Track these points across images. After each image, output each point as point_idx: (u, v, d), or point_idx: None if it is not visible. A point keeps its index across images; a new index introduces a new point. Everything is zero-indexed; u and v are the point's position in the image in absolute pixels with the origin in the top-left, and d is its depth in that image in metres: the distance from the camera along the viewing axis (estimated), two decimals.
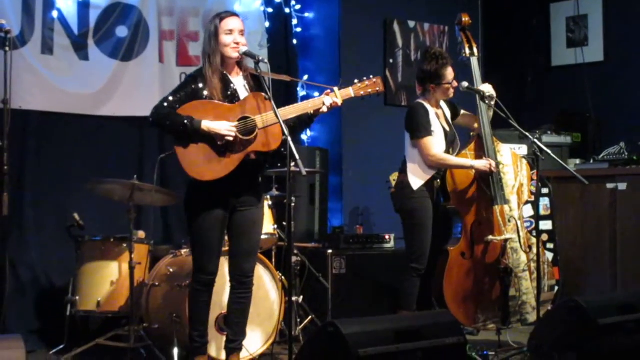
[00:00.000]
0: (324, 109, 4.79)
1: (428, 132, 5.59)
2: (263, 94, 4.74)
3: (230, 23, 4.79)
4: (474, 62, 5.93)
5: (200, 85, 4.74)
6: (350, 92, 4.87)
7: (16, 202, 6.00)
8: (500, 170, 5.72)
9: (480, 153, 5.72)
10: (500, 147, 5.80)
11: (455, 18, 6.10)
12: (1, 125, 5.46)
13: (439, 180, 5.69)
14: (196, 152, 4.65)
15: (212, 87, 4.73)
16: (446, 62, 5.68)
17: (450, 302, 5.60)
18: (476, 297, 5.69)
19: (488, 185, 5.67)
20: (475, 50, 5.95)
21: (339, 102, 4.82)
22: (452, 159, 5.66)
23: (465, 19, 6.02)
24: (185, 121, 4.60)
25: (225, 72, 4.82)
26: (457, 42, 6.05)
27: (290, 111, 4.72)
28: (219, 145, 4.64)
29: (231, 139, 4.62)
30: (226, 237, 4.97)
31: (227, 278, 5.02)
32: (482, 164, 5.61)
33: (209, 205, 4.75)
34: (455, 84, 5.70)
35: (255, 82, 4.89)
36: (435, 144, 5.61)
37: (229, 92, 4.78)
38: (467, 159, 5.68)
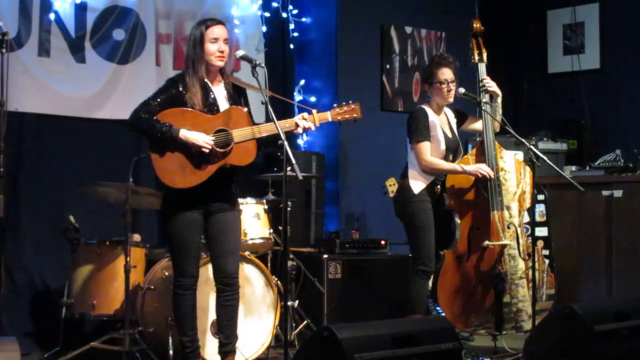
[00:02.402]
0: (299, 130, 4.85)
1: (424, 136, 5.60)
2: (243, 108, 4.85)
3: (215, 31, 4.84)
4: (482, 68, 5.91)
5: (181, 90, 4.80)
6: (327, 116, 4.95)
7: (12, 204, 5.99)
8: (501, 176, 5.72)
9: (481, 158, 5.72)
10: (503, 154, 5.79)
11: (451, 24, 6.08)
12: None
13: (439, 187, 5.68)
14: (171, 159, 4.71)
15: (193, 93, 4.77)
16: (441, 63, 5.70)
17: (443, 304, 5.61)
18: (469, 301, 5.69)
19: (486, 190, 5.67)
20: (484, 56, 5.94)
21: (313, 127, 4.88)
22: (444, 165, 5.66)
23: (477, 25, 6.02)
24: (164, 128, 4.66)
25: (206, 80, 4.86)
26: (469, 47, 6.04)
27: (267, 129, 4.77)
28: (194, 155, 4.69)
29: (207, 151, 4.67)
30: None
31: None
32: (473, 169, 5.61)
33: (183, 210, 4.80)
34: (451, 86, 5.68)
35: (236, 92, 4.95)
36: (431, 149, 5.61)
37: (209, 101, 4.82)
38: (458, 165, 5.67)
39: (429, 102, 5.77)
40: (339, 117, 4.96)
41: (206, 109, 4.79)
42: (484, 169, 5.61)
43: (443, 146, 5.68)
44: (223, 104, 4.87)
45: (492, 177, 5.63)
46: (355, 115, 4.99)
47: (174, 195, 4.79)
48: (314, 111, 4.92)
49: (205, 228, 4.91)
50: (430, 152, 5.62)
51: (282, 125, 4.78)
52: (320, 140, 7.64)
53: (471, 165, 5.65)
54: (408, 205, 5.65)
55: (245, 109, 4.89)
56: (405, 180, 5.68)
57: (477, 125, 5.93)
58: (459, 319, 5.65)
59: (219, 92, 4.91)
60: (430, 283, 5.70)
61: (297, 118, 4.87)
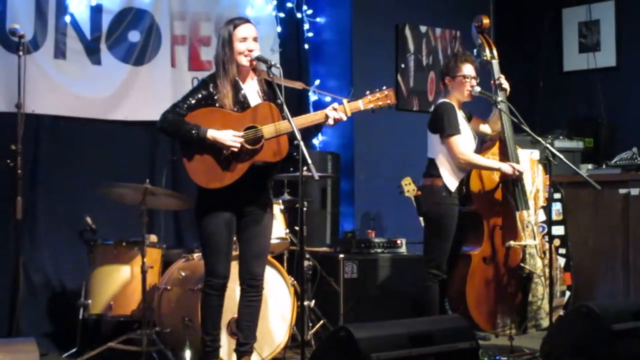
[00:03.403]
0: (330, 122, 4.74)
1: (457, 130, 5.54)
2: (274, 103, 4.75)
3: (243, 31, 4.79)
4: (496, 65, 5.85)
5: (212, 91, 4.76)
6: (359, 105, 4.81)
7: (29, 205, 6.03)
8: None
9: (503, 157, 5.69)
10: (518, 152, 5.76)
11: (473, 21, 6.00)
12: (15, 129, 5.50)
13: (463, 187, 5.65)
14: (202, 160, 4.67)
15: (224, 94, 4.73)
16: (464, 59, 5.66)
17: (472, 307, 5.56)
18: (497, 302, 5.66)
19: (509, 190, 5.63)
20: (495, 53, 5.89)
21: (344, 117, 4.76)
22: (481, 160, 5.61)
23: (486, 21, 5.91)
24: (192, 130, 4.62)
25: (237, 79, 4.82)
26: (476, 44, 5.97)
27: (297, 123, 4.62)
28: (224, 153, 4.65)
29: (236, 149, 4.63)
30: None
31: (238, 282, 5.02)
32: (509, 168, 5.57)
33: (216, 210, 4.76)
34: (473, 82, 5.63)
35: (269, 88, 4.89)
36: (464, 143, 5.56)
37: (239, 100, 4.78)
38: (495, 162, 5.64)
39: (447, 96, 5.71)
40: (372, 105, 4.81)
41: (237, 107, 4.75)
42: (517, 167, 5.58)
43: (472, 141, 5.65)
44: (255, 100, 4.81)
45: (520, 174, 5.62)
46: (389, 101, 4.82)
47: (207, 195, 4.76)
48: (345, 100, 4.77)
49: (238, 227, 4.88)
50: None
51: (312, 119, 4.74)
52: (335, 140, 7.65)
53: (505, 164, 5.62)
54: (438, 207, 5.57)
55: (278, 101, 4.73)
56: (434, 180, 5.59)
57: (483, 127, 5.89)
58: (487, 320, 5.63)
59: (251, 88, 4.86)
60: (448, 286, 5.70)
61: (327, 109, 4.75)
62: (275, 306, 5.68)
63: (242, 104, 4.78)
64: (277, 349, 5.64)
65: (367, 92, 4.84)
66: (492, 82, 5.82)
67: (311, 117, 4.76)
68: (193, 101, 4.75)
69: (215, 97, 4.74)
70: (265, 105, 4.75)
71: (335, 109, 4.75)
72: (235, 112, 4.74)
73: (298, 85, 5.10)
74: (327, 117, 4.73)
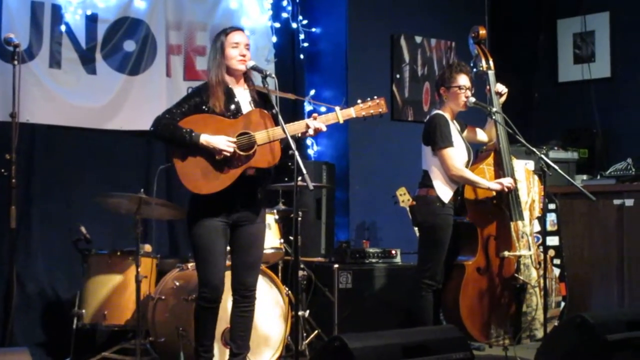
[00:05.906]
0: (310, 132, 4.76)
1: (450, 142, 5.54)
2: (265, 110, 4.77)
3: (235, 37, 4.84)
4: (492, 76, 5.86)
5: (204, 99, 4.77)
6: (351, 112, 4.85)
7: (23, 215, 6.03)
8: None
9: (498, 168, 5.68)
10: (514, 163, 5.76)
11: (470, 31, 5.98)
12: (9, 138, 5.49)
13: (459, 197, 5.65)
14: (194, 165, 4.67)
15: (216, 100, 4.75)
16: (459, 69, 5.66)
17: (465, 317, 5.56)
18: (490, 312, 5.66)
19: (504, 200, 5.63)
20: (491, 63, 5.90)
21: (324, 127, 4.76)
22: (471, 175, 5.59)
23: (482, 32, 5.93)
24: (185, 134, 4.63)
25: (230, 87, 4.84)
26: (472, 54, 5.97)
27: (281, 132, 4.65)
28: (217, 159, 4.66)
29: (229, 154, 4.63)
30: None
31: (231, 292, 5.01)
32: (497, 186, 5.57)
33: (208, 219, 4.75)
34: (468, 93, 5.64)
35: (260, 98, 4.91)
36: (456, 155, 5.56)
37: (232, 107, 4.80)
38: (484, 180, 5.61)
39: (442, 107, 5.72)
40: (364, 113, 4.86)
41: (229, 113, 4.76)
42: (505, 183, 5.57)
43: (465, 153, 5.65)
44: (247, 108, 4.83)
45: (514, 187, 5.61)
46: (380, 110, 4.88)
47: (199, 203, 4.75)
48: (337, 108, 4.81)
49: (231, 239, 4.87)
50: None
51: (294, 128, 4.73)
52: (330, 150, 7.65)
53: (493, 182, 5.61)
54: (433, 218, 5.56)
55: (273, 111, 4.76)
56: (429, 190, 5.58)
57: (480, 134, 5.90)
58: (481, 330, 5.63)
59: (243, 97, 4.87)
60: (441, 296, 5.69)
61: (308, 119, 4.78)
62: (269, 316, 5.67)
63: (235, 112, 4.79)
64: (271, 359, 5.63)
65: (359, 101, 4.89)
66: (486, 88, 5.82)
67: (293, 127, 4.76)
68: (186, 107, 4.77)
69: (208, 105, 4.76)
70: (257, 112, 4.77)
71: (315, 119, 4.77)
72: (228, 118, 4.75)
73: (290, 95, 5.10)
74: (307, 126, 4.76)
